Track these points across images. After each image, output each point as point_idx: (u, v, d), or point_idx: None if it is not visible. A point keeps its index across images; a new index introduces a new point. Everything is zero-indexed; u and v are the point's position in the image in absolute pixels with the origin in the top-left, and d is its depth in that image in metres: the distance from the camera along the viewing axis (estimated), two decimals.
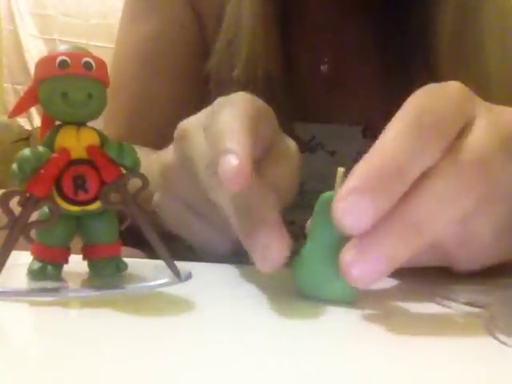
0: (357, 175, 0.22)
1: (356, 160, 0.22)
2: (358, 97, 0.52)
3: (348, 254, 0.21)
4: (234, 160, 0.23)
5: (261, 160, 0.29)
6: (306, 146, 0.52)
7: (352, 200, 0.21)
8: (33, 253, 0.26)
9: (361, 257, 0.21)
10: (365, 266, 0.21)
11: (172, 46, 0.54)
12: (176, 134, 0.32)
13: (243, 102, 0.28)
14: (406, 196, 0.22)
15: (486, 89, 0.45)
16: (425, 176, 0.22)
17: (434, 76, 0.45)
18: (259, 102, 0.30)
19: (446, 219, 0.22)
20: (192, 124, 0.31)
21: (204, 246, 0.34)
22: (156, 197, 0.35)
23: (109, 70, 0.26)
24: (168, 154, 0.33)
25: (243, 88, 0.32)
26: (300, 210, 0.60)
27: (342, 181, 0.25)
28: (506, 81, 0.48)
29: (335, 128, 0.50)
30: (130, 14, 0.57)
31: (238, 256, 0.31)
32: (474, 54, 0.46)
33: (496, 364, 0.19)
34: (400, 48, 0.50)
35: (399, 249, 0.21)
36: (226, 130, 0.25)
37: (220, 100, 0.30)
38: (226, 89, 0.47)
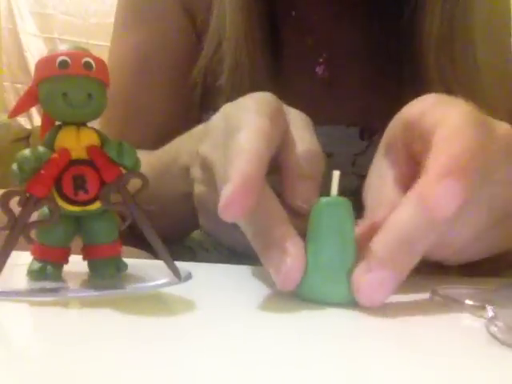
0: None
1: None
2: (355, 98, 0.52)
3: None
4: (227, 190, 0.24)
5: (280, 151, 0.29)
6: None
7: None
8: (33, 253, 0.26)
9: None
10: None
11: (164, 55, 0.53)
12: (199, 162, 0.32)
13: (255, 117, 0.28)
14: None
15: (476, 87, 0.45)
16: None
17: (424, 78, 0.45)
18: (270, 103, 0.29)
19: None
20: (212, 152, 0.31)
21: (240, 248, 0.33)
22: (197, 189, 0.34)
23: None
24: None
25: (228, 96, 0.32)
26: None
27: (338, 184, 0.25)
28: (494, 78, 0.48)
29: (332, 129, 0.50)
30: (121, 25, 0.57)
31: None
32: (464, 52, 0.46)
33: (496, 364, 0.19)
34: (391, 49, 0.50)
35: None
36: (234, 156, 0.26)
37: (230, 112, 0.30)
38: (212, 96, 0.47)
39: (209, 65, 0.48)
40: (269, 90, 0.31)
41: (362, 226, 0.27)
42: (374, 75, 0.51)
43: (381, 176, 0.30)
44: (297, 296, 0.25)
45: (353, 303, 0.24)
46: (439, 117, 0.27)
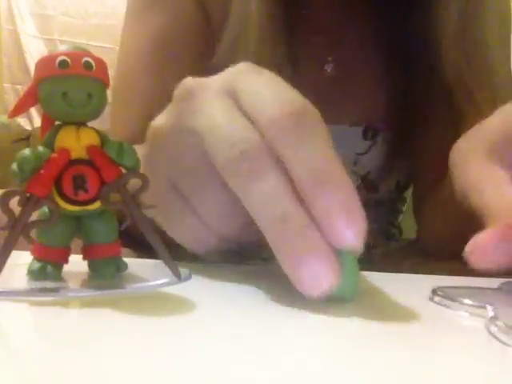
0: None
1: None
2: (359, 97, 0.52)
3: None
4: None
5: None
6: None
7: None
8: (33, 253, 0.26)
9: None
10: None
11: (182, 38, 0.53)
12: (178, 91, 0.28)
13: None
14: None
15: (490, 84, 0.45)
16: None
17: (437, 76, 0.45)
18: None
19: None
20: (205, 84, 0.27)
21: (184, 240, 0.30)
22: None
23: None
24: (162, 115, 0.29)
25: None
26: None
27: None
28: (509, 75, 0.47)
29: (335, 128, 0.50)
30: (136, 9, 0.56)
31: (224, 255, 0.31)
32: (478, 49, 0.46)
33: (496, 364, 0.19)
34: (403, 48, 0.50)
35: None
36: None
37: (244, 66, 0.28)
38: None
39: (222, 62, 0.49)
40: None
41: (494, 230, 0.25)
42: (381, 75, 0.51)
43: (494, 180, 0.28)
44: (297, 292, 0.25)
45: (353, 298, 0.24)
46: None
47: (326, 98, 0.50)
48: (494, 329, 0.21)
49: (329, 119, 0.26)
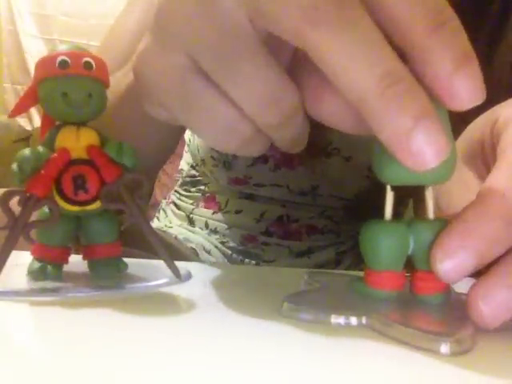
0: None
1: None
2: None
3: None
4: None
5: None
6: (321, 152, 0.51)
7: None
8: (33, 253, 0.26)
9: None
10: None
11: None
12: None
13: None
14: None
15: None
16: None
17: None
18: None
19: None
20: None
21: (212, 132, 0.23)
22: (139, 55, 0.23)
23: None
24: None
25: None
26: (307, 209, 0.60)
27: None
28: None
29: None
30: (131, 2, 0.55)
31: None
32: None
33: (496, 363, 0.19)
34: None
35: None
36: None
37: None
38: None
39: None
40: None
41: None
42: None
43: (465, 183, 0.27)
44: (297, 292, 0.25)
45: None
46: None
47: None
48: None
49: None
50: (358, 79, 0.18)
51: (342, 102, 0.20)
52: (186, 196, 0.65)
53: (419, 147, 0.18)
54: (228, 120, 0.22)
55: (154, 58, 0.22)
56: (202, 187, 0.64)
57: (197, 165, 0.64)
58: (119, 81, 0.40)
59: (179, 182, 0.68)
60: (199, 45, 0.21)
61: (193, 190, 0.65)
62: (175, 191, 0.68)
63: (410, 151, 0.18)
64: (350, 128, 0.22)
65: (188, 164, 0.66)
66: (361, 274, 0.24)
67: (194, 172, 0.65)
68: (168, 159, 0.54)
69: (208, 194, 0.63)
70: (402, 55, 0.19)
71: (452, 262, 0.20)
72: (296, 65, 0.22)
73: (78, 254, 0.28)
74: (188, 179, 0.66)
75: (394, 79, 0.18)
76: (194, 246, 0.59)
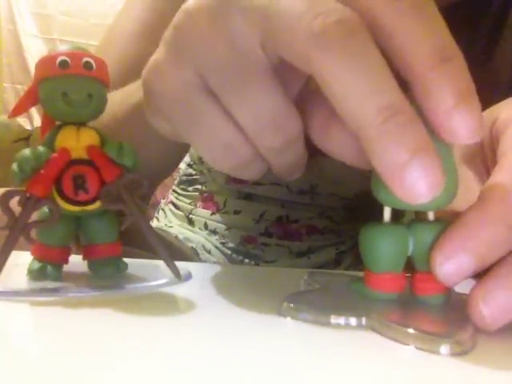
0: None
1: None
2: None
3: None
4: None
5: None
6: (319, 150, 0.50)
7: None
8: (33, 253, 0.26)
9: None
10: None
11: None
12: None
13: None
14: None
15: None
16: None
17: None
18: None
19: None
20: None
21: (210, 149, 0.23)
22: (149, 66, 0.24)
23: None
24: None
25: None
26: (306, 209, 0.60)
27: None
28: None
29: None
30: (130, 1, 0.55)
31: None
32: None
33: (497, 363, 0.19)
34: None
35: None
36: None
37: None
38: None
39: None
40: None
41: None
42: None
43: (464, 182, 0.26)
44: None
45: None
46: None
47: None
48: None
49: None
50: (359, 107, 0.18)
51: (348, 135, 0.21)
52: (184, 195, 0.65)
53: (412, 181, 0.18)
54: (228, 140, 0.22)
55: (164, 70, 0.23)
56: (199, 186, 0.64)
57: (194, 163, 0.64)
58: (131, 90, 0.40)
59: (176, 181, 0.68)
60: (209, 63, 0.21)
61: (190, 189, 0.65)
62: (173, 190, 0.68)
63: (402, 185, 0.18)
64: (354, 161, 0.22)
65: (185, 162, 0.66)
66: (361, 274, 0.24)
67: (190, 170, 0.65)
68: (172, 171, 0.54)
69: (206, 194, 0.63)
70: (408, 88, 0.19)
71: (452, 265, 0.20)
72: (307, 94, 0.23)
73: (78, 253, 0.28)
74: (185, 178, 0.66)
75: (394, 111, 0.18)
76: (194, 246, 0.59)
